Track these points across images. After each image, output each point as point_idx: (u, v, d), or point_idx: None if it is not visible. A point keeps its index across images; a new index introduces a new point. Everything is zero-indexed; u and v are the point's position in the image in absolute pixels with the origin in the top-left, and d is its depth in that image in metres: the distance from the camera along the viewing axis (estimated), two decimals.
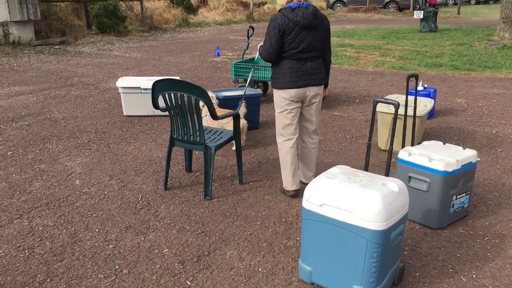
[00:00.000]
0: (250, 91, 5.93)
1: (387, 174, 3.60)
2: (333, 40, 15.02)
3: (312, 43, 3.75)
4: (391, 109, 4.97)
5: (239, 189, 4.16)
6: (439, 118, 6.41)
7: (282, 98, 3.85)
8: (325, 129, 5.90)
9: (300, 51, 3.73)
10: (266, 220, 3.61)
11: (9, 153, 4.95)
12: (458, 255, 3.14)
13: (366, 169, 3.08)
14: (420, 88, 6.29)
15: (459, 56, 11.59)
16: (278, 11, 3.81)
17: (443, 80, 9.06)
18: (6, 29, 12.65)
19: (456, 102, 7.29)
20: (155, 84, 3.80)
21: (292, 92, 3.80)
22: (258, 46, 4.05)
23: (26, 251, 3.12)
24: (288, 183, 4.01)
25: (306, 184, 3.86)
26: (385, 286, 2.67)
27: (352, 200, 2.53)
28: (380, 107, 5.03)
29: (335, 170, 2.84)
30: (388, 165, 3.58)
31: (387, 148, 5.02)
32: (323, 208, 2.63)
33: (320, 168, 4.59)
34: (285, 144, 3.96)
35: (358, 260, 2.56)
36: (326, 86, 4.08)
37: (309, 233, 2.74)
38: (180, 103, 3.74)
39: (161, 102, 3.83)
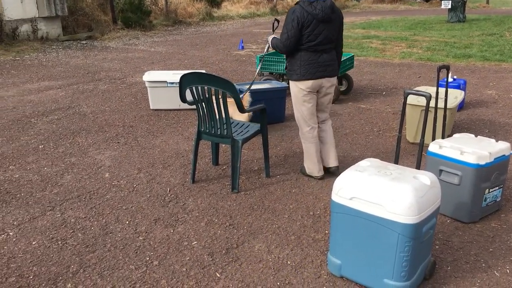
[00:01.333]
0: (275, 84, 5.91)
1: (418, 167, 3.54)
2: (358, 31, 14.86)
3: (329, 36, 3.86)
4: (421, 101, 4.89)
5: (266, 182, 4.16)
6: (469, 110, 6.27)
7: (300, 89, 3.97)
8: (351, 122, 5.84)
9: (317, 43, 3.83)
10: (293, 213, 3.60)
11: (40, 146, 5.06)
12: (491, 249, 3.07)
13: (396, 162, 3.04)
14: (450, 79, 6.16)
15: (488, 46, 11.31)
16: (296, 4, 3.88)
17: (472, 71, 8.86)
18: (35, 25, 12.92)
19: (486, 94, 7.12)
20: (183, 77, 3.82)
21: (309, 83, 3.91)
22: (269, 38, 4.12)
23: (59, 242, 3.19)
24: (315, 170, 4.17)
25: (333, 168, 4.24)
26: (416, 280, 2.63)
27: (383, 193, 2.50)
28: (410, 99, 4.94)
29: (364, 163, 2.81)
30: (419, 158, 3.52)
31: (416, 141, 4.95)
32: (353, 202, 2.60)
33: (348, 162, 4.56)
34: (310, 133, 4.11)
35: (389, 254, 2.53)
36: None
37: (338, 227, 2.72)
38: (207, 96, 3.75)
39: (188, 96, 3.85)
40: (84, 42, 13.53)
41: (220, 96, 3.72)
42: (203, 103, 3.82)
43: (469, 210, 3.35)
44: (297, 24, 3.74)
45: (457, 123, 5.73)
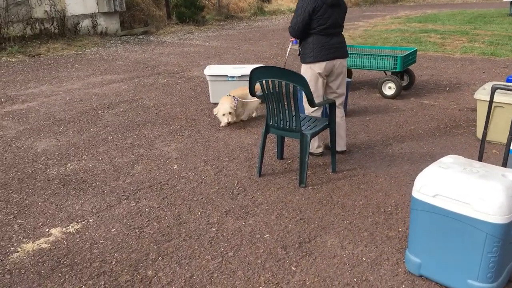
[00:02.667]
0: None
1: (481, 159, 3.37)
2: (415, 25, 14.46)
3: (337, 20, 4.18)
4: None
5: (333, 177, 4.13)
6: None
7: (312, 71, 4.23)
8: (416, 118, 5.70)
9: (327, 27, 4.12)
10: (364, 209, 3.56)
11: (109, 137, 5.24)
12: None
13: (480, 159, 2.93)
14: None
15: None
16: None
17: None
18: (95, 20, 13.37)
19: None
20: (253, 71, 3.84)
21: (322, 65, 4.20)
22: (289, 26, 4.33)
23: (137, 230, 3.29)
24: (314, 146, 4.52)
25: (340, 152, 4.56)
26: (502, 283, 2.54)
27: (470, 191, 2.42)
28: (480, 95, 4.76)
29: (447, 159, 2.73)
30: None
31: (486, 138, 4.76)
32: (437, 199, 2.54)
33: (415, 158, 4.46)
34: (316, 113, 4.35)
35: (474, 254, 2.45)
36: None
37: (419, 224, 2.66)
38: (277, 90, 3.76)
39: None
40: (140, 37, 13.88)
41: (290, 90, 3.71)
42: (273, 97, 3.83)
43: None
44: (308, 9, 4.03)
45: None
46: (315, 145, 4.52)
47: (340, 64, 4.28)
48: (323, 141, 4.68)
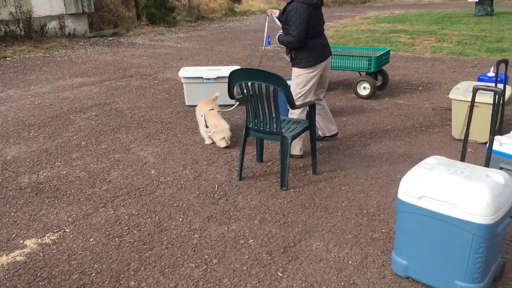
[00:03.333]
0: None
1: (463, 159, 3.40)
2: (384, 26, 14.66)
3: (322, 19, 4.39)
4: (467, 96, 4.77)
5: (314, 179, 4.11)
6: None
7: (312, 74, 4.31)
8: (391, 118, 5.75)
9: (319, 28, 4.33)
10: (347, 211, 3.55)
11: (82, 143, 5.08)
12: None
13: (462, 159, 2.96)
14: (490, 74, 6.02)
15: None
16: (294, 1, 4.14)
17: (510, 66, 8.63)
18: (62, 22, 13.02)
19: None
20: (232, 74, 3.79)
21: (322, 65, 4.36)
22: (278, 36, 4.36)
23: (116, 239, 3.19)
24: (298, 149, 4.51)
25: (330, 136, 4.89)
26: (488, 282, 2.56)
27: (456, 192, 2.43)
28: (455, 95, 4.83)
29: (431, 161, 2.74)
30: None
31: (462, 137, 4.83)
32: (423, 201, 2.54)
33: (393, 158, 4.49)
34: (303, 116, 4.39)
35: (461, 255, 2.46)
36: None
37: (405, 226, 2.66)
38: (257, 92, 3.71)
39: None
40: (110, 38, 13.59)
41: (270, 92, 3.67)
42: (253, 99, 3.78)
43: None
44: (305, 17, 4.09)
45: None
46: (297, 148, 4.49)
47: (329, 59, 4.51)
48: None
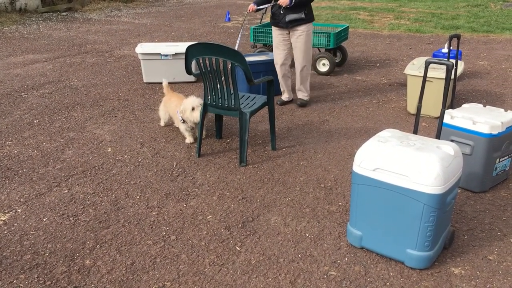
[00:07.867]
0: (272, 55, 5.82)
1: (416, 132, 3.47)
2: (344, 3, 14.73)
3: None
4: (422, 72, 4.86)
5: (273, 155, 4.12)
6: (464, 81, 6.31)
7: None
8: (350, 94, 5.82)
9: None
10: (305, 185, 3.59)
11: (35, 121, 4.90)
12: (504, 218, 3.12)
13: (415, 132, 3.02)
14: (445, 50, 6.17)
15: (475, 17, 11.35)
16: None
17: (462, 42, 8.88)
18: None
19: (479, 65, 7.17)
20: (189, 48, 3.71)
21: None
22: None
23: (71, 218, 3.11)
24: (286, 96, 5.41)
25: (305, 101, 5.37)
26: (438, 250, 2.66)
27: (408, 164, 2.49)
28: (410, 70, 4.93)
29: (385, 133, 2.78)
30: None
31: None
32: (376, 173, 2.59)
33: (351, 133, 4.55)
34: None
35: (413, 224, 2.54)
36: None
37: (360, 198, 2.71)
38: (215, 68, 3.66)
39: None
40: (64, 14, 13.07)
41: (228, 67, 3.63)
42: (210, 75, 3.73)
43: (480, 180, 3.39)
44: None
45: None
46: (286, 95, 5.36)
47: None
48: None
